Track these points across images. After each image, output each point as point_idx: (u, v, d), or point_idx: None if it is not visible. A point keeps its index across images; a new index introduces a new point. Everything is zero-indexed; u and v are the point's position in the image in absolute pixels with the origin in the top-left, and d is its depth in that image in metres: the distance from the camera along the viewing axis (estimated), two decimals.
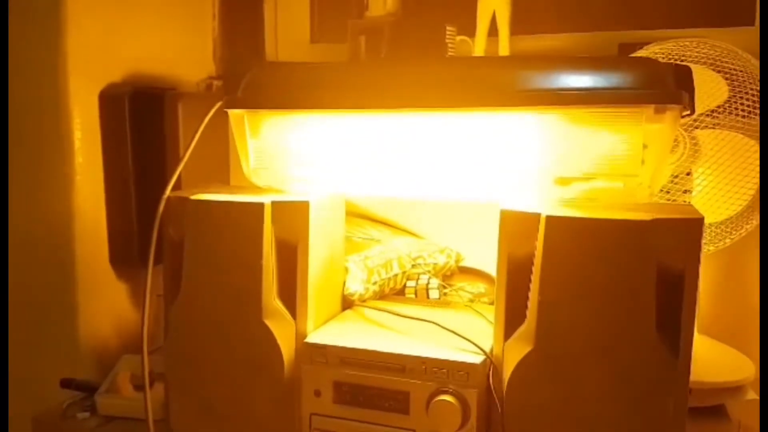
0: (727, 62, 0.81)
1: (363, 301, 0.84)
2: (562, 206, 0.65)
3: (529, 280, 0.64)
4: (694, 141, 0.82)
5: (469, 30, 0.98)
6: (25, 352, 1.00)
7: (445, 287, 0.92)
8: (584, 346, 0.61)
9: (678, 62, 0.82)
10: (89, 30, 0.96)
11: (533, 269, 0.63)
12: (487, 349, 0.67)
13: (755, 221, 0.82)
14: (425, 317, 0.77)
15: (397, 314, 0.80)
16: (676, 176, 0.82)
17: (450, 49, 0.97)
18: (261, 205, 0.71)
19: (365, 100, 0.70)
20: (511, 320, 0.65)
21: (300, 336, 0.72)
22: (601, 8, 1.04)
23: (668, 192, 0.82)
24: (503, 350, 0.66)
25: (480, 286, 0.94)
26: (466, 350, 0.68)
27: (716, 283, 0.94)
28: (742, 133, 0.79)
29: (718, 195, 0.80)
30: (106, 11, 0.99)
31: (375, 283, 0.86)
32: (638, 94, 0.62)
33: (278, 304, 0.72)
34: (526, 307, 0.64)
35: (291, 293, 0.72)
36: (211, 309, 0.73)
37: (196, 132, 0.76)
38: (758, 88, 0.79)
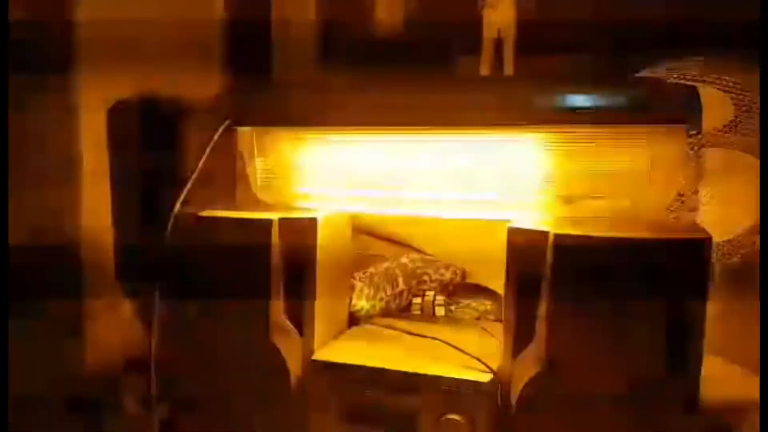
0: (733, 81, 0.81)
1: (369, 317, 0.84)
2: (570, 224, 0.65)
3: (537, 298, 0.63)
4: (700, 160, 0.82)
5: (475, 49, 0.98)
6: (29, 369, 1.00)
7: (450, 304, 0.91)
8: (593, 365, 0.61)
9: (684, 82, 0.82)
10: (98, 46, 0.97)
11: (541, 287, 0.63)
12: (495, 368, 0.67)
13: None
14: (432, 334, 0.77)
15: (404, 331, 0.79)
16: (683, 195, 0.82)
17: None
18: (269, 222, 0.71)
19: (373, 119, 0.70)
20: (519, 338, 0.65)
21: (307, 353, 0.72)
22: (608, 27, 1.04)
23: (675, 210, 0.83)
24: (512, 369, 0.65)
25: (486, 303, 0.94)
26: (474, 368, 0.68)
27: (725, 301, 0.94)
28: (748, 152, 0.80)
29: (725, 213, 0.80)
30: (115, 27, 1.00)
31: (381, 299, 0.86)
32: (646, 113, 0.63)
33: (285, 322, 0.72)
34: (534, 325, 0.64)
35: (298, 310, 0.72)
36: (217, 326, 0.73)
37: (204, 149, 0.76)
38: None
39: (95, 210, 0.98)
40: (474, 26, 0.98)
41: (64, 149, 0.96)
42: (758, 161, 0.79)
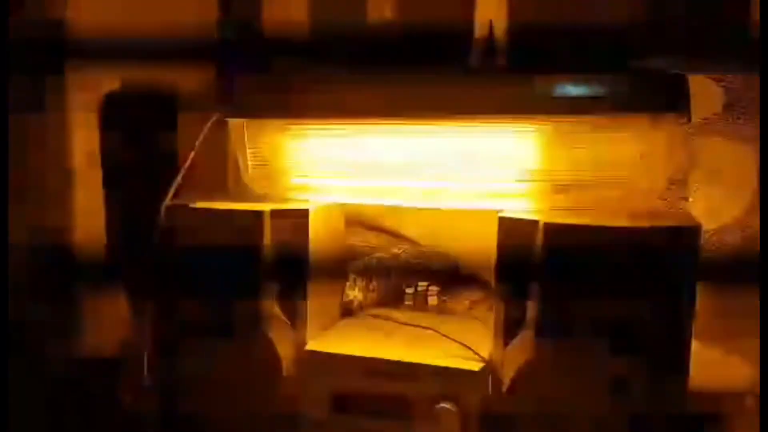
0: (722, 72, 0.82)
1: (362, 308, 0.84)
2: (560, 214, 0.66)
3: (528, 287, 0.64)
4: (690, 148, 0.82)
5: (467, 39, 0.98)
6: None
7: (443, 294, 0.92)
8: (583, 353, 0.62)
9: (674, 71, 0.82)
10: (89, 36, 0.97)
11: (532, 276, 0.63)
12: (487, 356, 0.68)
13: (752, 227, 0.82)
14: (424, 324, 0.77)
15: (396, 321, 0.80)
16: (673, 183, 0.83)
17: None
18: (260, 213, 0.71)
19: (365, 110, 0.70)
20: (510, 327, 0.65)
21: (300, 344, 0.72)
22: (601, 15, 1.04)
23: (665, 199, 0.83)
24: (503, 357, 0.66)
25: (478, 293, 0.94)
26: (466, 357, 0.68)
27: (713, 288, 0.94)
28: (737, 141, 0.80)
29: (714, 202, 0.81)
30: (106, 17, 0.99)
31: (373, 290, 0.86)
32: (635, 102, 0.63)
33: (278, 312, 0.72)
34: (524, 314, 0.64)
35: (290, 301, 0.73)
36: (210, 317, 0.73)
37: (195, 140, 0.76)
38: (753, 96, 0.80)
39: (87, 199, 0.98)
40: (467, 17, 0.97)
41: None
42: (747, 148, 0.79)
